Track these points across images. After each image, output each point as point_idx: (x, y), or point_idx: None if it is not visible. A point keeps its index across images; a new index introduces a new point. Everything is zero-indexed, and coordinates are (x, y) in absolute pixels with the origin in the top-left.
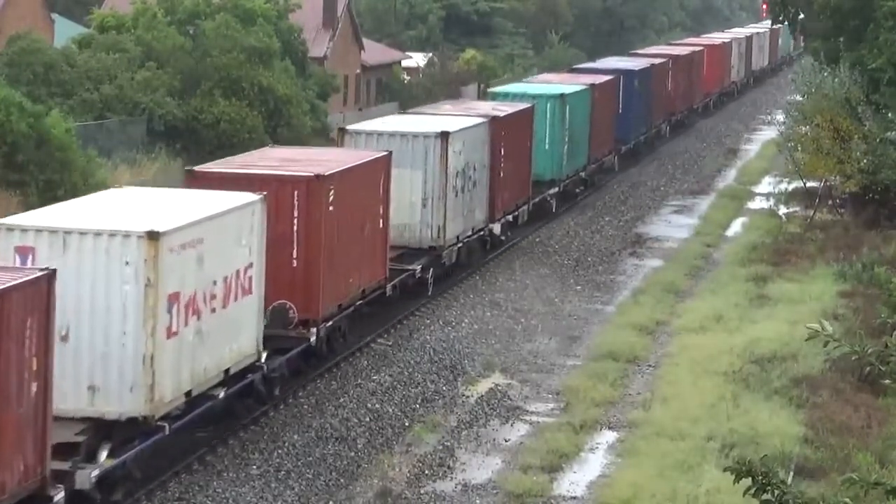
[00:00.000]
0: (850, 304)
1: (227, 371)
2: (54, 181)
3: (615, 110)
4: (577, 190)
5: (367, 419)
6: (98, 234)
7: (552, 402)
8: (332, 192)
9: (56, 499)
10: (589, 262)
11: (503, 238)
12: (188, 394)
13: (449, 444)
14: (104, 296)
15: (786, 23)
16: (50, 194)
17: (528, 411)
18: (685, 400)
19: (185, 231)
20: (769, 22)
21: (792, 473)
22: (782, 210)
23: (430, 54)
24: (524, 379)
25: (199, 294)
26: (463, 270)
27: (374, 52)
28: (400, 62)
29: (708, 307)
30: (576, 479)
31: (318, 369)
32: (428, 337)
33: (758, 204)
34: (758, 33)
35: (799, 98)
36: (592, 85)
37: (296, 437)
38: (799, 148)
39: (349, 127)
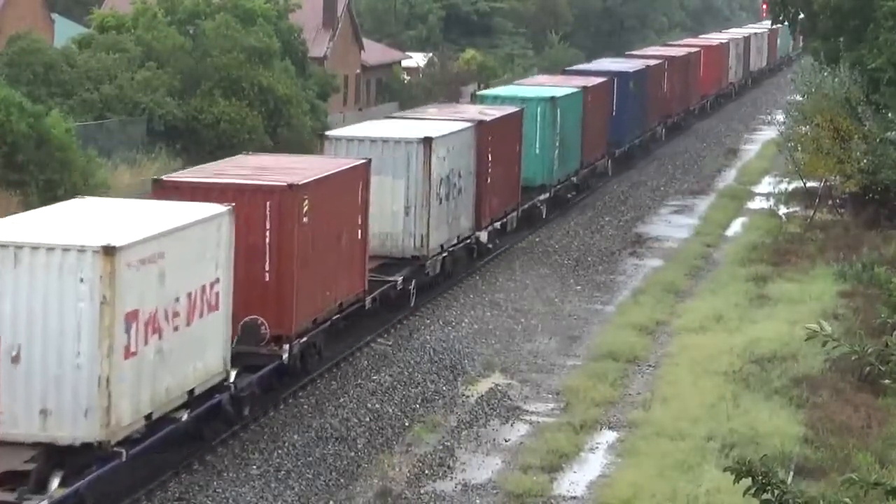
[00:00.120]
0: (850, 304)
1: (191, 392)
2: (54, 181)
3: (609, 113)
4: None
5: (367, 419)
6: (51, 248)
7: (552, 402)
8: (306, 202)
9: None
10: (589, 262)
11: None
12: (148, 416)
13: (449, 444)
14: (58, 314)
15: (786, 23)
16: (50, 194)
17: (528, 411)
18: (685, 400)
19: (145, 245)
20: (769, 22)
21: (792, 473)
22: (782, 210)
23: (430, 54)
24: (524, 379)
25: (160, 311)
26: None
27: (374, 52)
28: (400, 62)
29: (708, 307)
30: (576, 479)
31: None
32: (428, 337)
33: (758, 204)
34: (756, 34)
35: (799, 98)
36: (584, 87)
37: (296, 437)
38: (799, 148)
39: (329, 133)
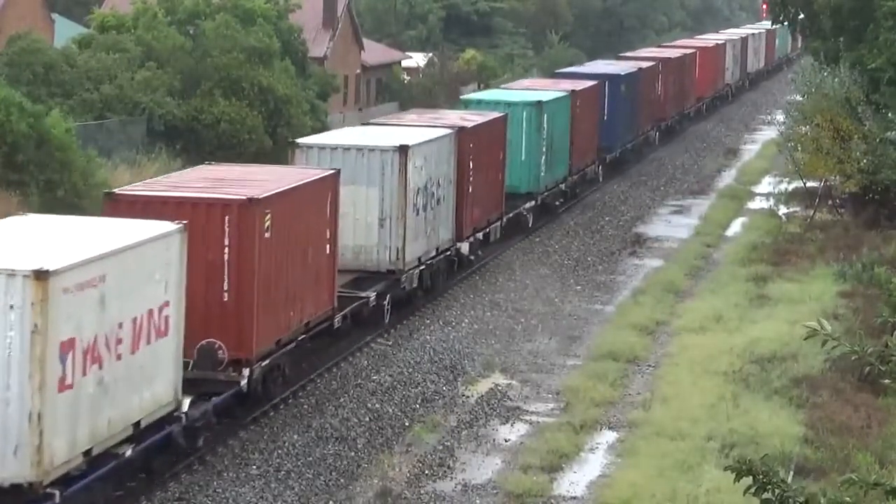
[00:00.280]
0: (850, 304)
1: (137, 424)
2: (54, 181)
3: (599, 117)
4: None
5: (367, 419)
6: None
7: (552, 402)
8: (268, 216)
9: None
10: (589, 262)
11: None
12: (87, 452)
13: (449, 444)
14: None
15: (785, 23)
16: (50, 194)
17: (528, 411)
18: (685, 400)
19: (83, 269)
20: (768, 22)
21: (792, 473)
22: (782, 210)
23: (430, 54)
24: (524, 379)
25: (100, 339)
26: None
27: (374, 52)
28: (400, 62)
29: (708, 307)
30: (576, 479)
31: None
32: (428, 337)
33: (758, 204)
34: (753, 34)
35: (799, 98)
36: (573, 91)
37: (296, 437)
38: (799, 148)
39: (300, 140)
